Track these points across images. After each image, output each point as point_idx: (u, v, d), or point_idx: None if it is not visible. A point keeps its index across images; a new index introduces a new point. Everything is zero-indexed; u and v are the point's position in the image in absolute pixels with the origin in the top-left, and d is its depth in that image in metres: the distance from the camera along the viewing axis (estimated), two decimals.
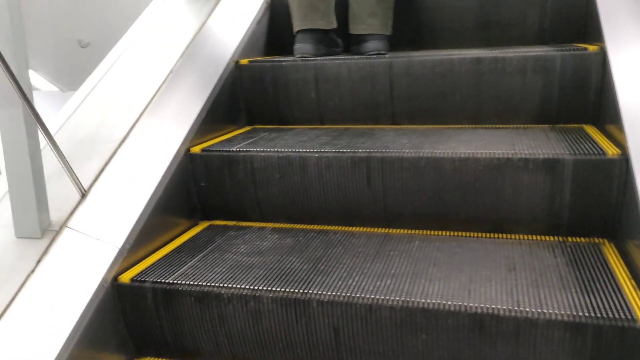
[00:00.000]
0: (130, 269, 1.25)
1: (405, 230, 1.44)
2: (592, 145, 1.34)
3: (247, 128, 1.90)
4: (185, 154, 1.53)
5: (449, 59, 1.67)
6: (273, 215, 1.55)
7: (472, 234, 1.39)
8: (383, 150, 1.41)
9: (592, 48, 1.57)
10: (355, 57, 1.76)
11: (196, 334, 1.20)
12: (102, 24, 4.17)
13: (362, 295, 1.08)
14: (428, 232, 1.43)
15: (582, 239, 1.32)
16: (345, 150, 1.44)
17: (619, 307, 0.97)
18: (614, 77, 1.40)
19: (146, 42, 1.86)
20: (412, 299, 1.06)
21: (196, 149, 1.56)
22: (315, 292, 1.11)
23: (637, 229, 1.11)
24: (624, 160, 1.23)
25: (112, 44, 1.82)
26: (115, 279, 1.21)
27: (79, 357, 1.08)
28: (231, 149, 1.54)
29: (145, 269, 1.26)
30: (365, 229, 1.47)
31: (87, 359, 1.11)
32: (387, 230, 1.45)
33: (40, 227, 1.21)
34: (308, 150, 1.47)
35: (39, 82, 4.76)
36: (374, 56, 1.75)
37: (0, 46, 1.11)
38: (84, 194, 1.32)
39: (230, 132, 1.82)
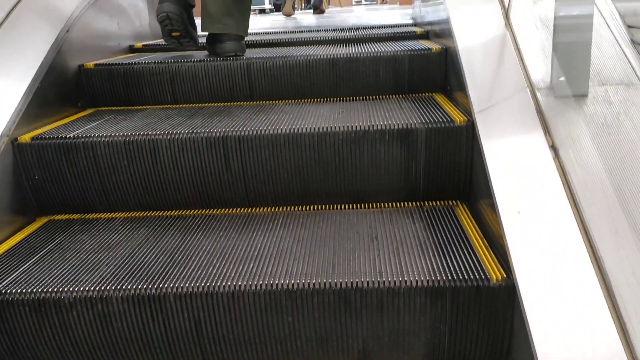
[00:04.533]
0: None
1: (269, 209, 1.39)
2: (442, 113, 1.38)
3: (90, 110, 1.72)
4: (11, 144, 1.33)
5: (306, 61, 1.67)
6: (124, 204, 1.40)
7: (335, 207, 1.37)
8: (240, 129, 1.33)
9: (435, 48, 1.67)
10: (212, 59, 1.71)
11: (36, 348, 1.05)
12: None
13: (223, 284, 1.01)
14: (291, 208, 1.39)
15: (438, 203, 1.36)
16: (199, 131, 1.34)
17: (473, 268, 1.00)
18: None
19: None
20: (276, 281, 1.01)
21: (25, 138, 1.36)
22: (171, 285, 1.02)
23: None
24: (470, 126, 1.28)
25: None
26: None
27: None
28: (68, 135, 1.36)
29: None
30: (226, 210, 1.39)
31: None
32: (250, 210, 1.39)
33: None
34: (159, 132, 1.35)
35: None
36: (231, 58, 1.72)
37: None
38: None
39: (69, 115, 1.62)
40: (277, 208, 1.39)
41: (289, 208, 1.39)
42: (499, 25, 1.38)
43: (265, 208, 1.39)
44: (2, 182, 1.28)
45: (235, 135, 1.32)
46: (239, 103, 1.70)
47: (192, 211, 1.40)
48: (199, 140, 1.33)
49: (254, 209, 1.39)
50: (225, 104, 1.70)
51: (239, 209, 1.40)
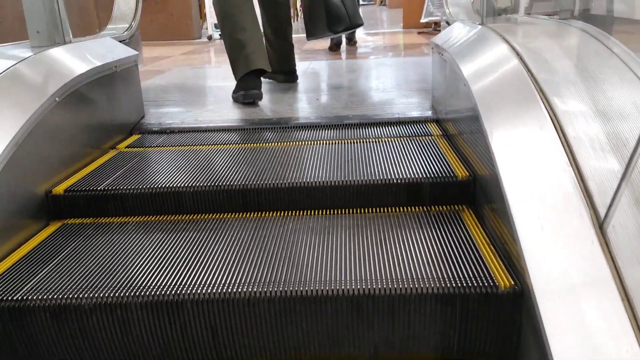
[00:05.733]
0: None
1: (279, 213, 1.42)
2: (445, 166, 1.48)
3: (114, 152, 1.82)
4: (46, 196, 1.44)
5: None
6: (137, 210, 1.45)
7: (342, 211, 1.40)
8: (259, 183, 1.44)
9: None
10: None
11: (55, 352, 1.08)
12: None
13: (240, 290, 1.04)
14: (300, 212, 1.41)
15: (444, 207, 1.39)
16: (220, 183, 1.45)
17: (481, 275, 1.03)
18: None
19: None
20: (291, 288, 1.03)
21: (59, 190, 1.45)
22: (188, 292, 1.04)
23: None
24: (472, 180, 1.38)
25: None
26: None
27: None
28: (99, 188, 1.46)
29: None
30: (238, 215, 1.42)
31: None
32: (261, 214, 1.42)
33: None
34: (182, 185, 1.45)
35: None
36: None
37: None
38: None
39: (95, 158, 1.74)
40: (287, 212, 1.42)
41: (298, 213, 1.41)
42: (590, 246, 0.88)
43: (276, 212, 1.42)
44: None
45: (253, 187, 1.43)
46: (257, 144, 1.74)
47: (204, 215, 1.43)
48: (220, 193, 1.43)
49: (265, 213, 1.42)
50: (247, 145, 1.74)
51: (251, 214, 1.42)
